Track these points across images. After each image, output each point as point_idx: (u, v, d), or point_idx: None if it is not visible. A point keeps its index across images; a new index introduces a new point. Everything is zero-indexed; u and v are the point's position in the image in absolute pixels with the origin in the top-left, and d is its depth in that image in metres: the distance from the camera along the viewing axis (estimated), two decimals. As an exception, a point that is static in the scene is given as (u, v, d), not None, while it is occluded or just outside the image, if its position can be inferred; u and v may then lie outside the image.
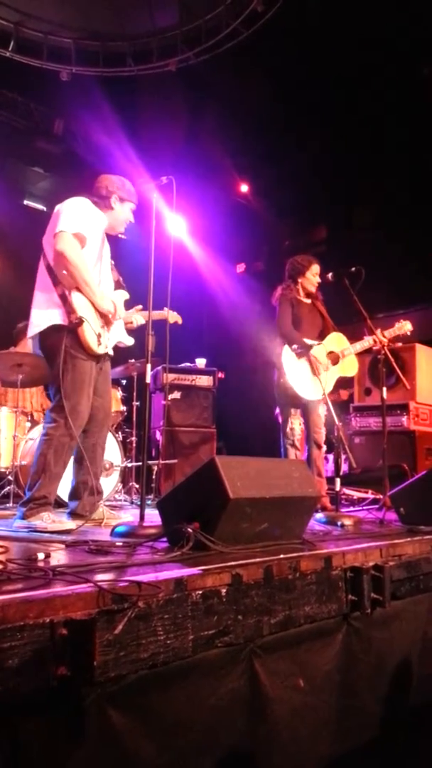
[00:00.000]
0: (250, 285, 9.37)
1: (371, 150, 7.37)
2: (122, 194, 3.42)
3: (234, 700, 1.86)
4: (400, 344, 4.90)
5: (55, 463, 3.06)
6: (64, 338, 3.08)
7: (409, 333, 4.65)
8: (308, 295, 4.67)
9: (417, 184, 7.28)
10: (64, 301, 3.11)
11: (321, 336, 4.58)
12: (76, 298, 3.12)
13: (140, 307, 3.60)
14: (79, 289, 3.14)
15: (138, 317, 3.62)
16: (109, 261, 3.48)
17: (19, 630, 1.40)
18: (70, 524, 3.03)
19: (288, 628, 2.04)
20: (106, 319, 3.31)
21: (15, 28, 7.17)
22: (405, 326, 4.60)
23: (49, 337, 3.14)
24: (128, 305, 3.60)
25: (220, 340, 8.87)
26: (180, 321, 4.56)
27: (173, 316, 4.47)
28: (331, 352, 4.46)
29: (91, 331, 3.13)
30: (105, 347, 3.29)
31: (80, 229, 3.14)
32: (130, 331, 3.63)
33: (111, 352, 3.43)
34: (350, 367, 4.52)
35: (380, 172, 7.50)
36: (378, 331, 4.42)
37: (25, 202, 8.60)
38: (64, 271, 3.12)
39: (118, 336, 3.48)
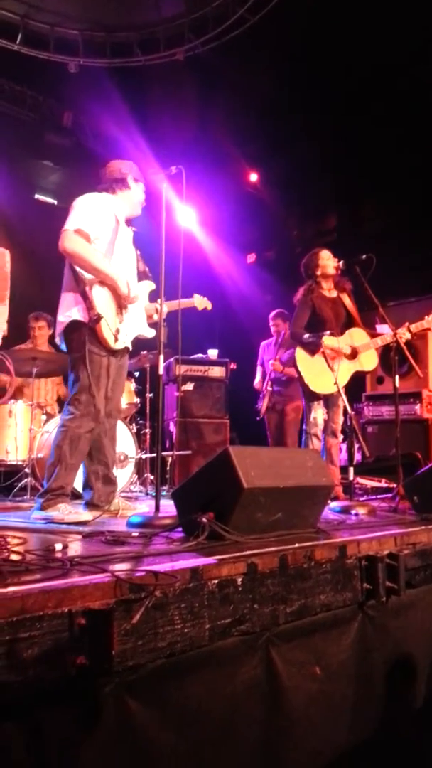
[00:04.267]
0: (261, 275, 9.33)
1: (382, 138, 7.28)
2: (135, 175, 3.50)
3: (251, 688, 1.88)
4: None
5: (71, 454, 3.12)
6: (84, 334, 3.16)
7: None
8: (334, 284, 4.63)
9: (429, 171, 7.19)
10: (85, 297, 3.18)
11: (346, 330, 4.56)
12: (96, 293, 3.18)
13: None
14: (100, 284, 3.20)
15: (163, 307, 3.61)
16: (130, 252, 3.49)
17: (38, 620, 1.42)
18: (87, 515, 3.07)
19: (304, 616, 2.05)
20: (124, 309, 3.33)
21: (22, 20, 7.14)
22: None
23: (70, 332, 3.23)
24: (152, 296, 3.61)
25: (232, 330, 8.86)
26: (210, 307, 4.53)
27: (203, 302, 4.46)
28: (349, 347, 4.45)
29: (107, 328, 3.19)
30: (123, 343, 3.32)
31: (82, 226, 3.18)
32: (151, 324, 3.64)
33: (130, 346, 3.46)
34: (369, 362, 4.50)
35: (391, 160, 7.41)
36: (406, 325, 4.33)
37: (36, 195, 8.59)
38: (77, 267, 3.19)
39: (137, 329, 3.49)
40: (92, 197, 3.35)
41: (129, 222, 3.55)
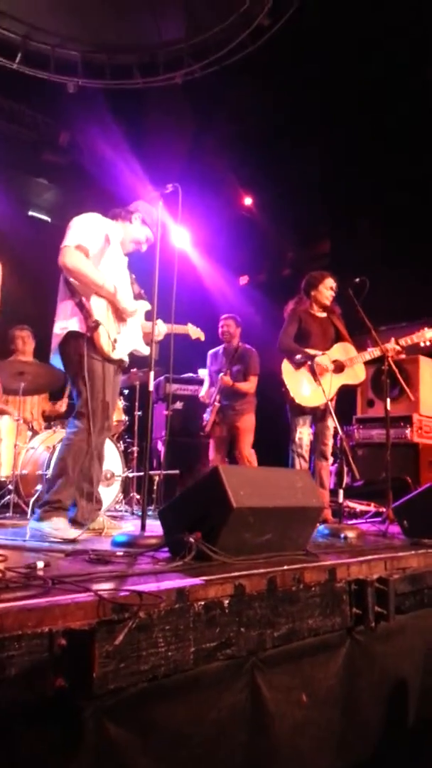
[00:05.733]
0: (253, 297, 9.35)
1: (376, 162, 7.38)
2: (147, 218, 3.53)
3: (235, 714, 1.82)
4: (403, 356, 4.82)
5: (72, 468, 3.12)
6: (82, 345, 3.14)
7: (431, 342, 4.36)
8: (324, 308, 4.65)
9: (421, 195, 7.28)
10: (81, 307, 3.19)
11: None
12: (93, 302, 3.20)
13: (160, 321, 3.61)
14: (97, 294, 3.21)
15: (162, 327, 3.62)
16: (124, 274, 3.51)
17: (17, 639, 1.37)
18: (74, 533, 3.02)
19: (291, 641, 2.01)
20: (122, 322, 3.34)
21: (22, 40, 7.21)
22: (426, 334, 4.32)
23: (67, 344, 3.22)
24: (148, 317, 3.62)
25: (223, 351, 8.85)
26: (203, 337, 4.55)
27: (196, 332, 4.46)
28: (335, 361, 4.42)
29: (106, 335, 3.19)
30: (120, 353, 3.32)
31: (81, 241, 3.23)
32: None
33: (126, 359, 3.45)
34: (356, 376, 4.46)
35: (385, 184, 7.51)
36: (392, 340, 4.33)
37: (30, 213, 8.62)
38: (76, 282, 3.21)
39: (134, 344, 3.49)
40: (88, 216, 3.40)
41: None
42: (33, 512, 3.13)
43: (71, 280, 3.22)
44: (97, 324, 3.13)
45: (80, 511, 3.27)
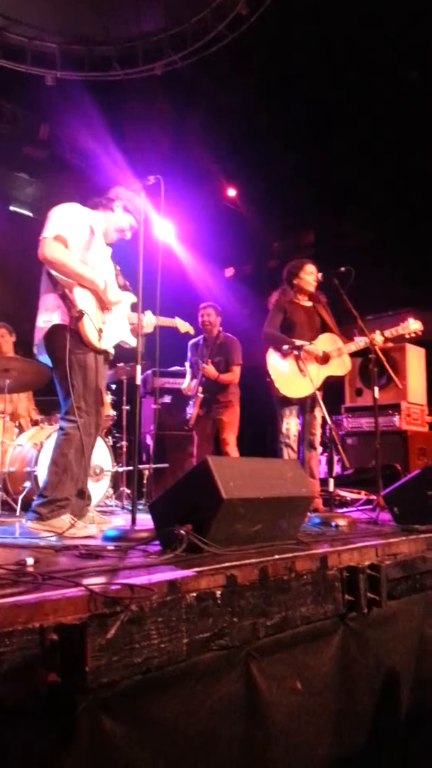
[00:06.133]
0: (239, 289, 9.35)
1: (359, 153, 7.38)
2: (129, 205, 3.46)
3: (230, 704, 1.82)
4: (390, 344, 4.83)
5: (77, 463, 3.07)
6: (66, 338, 3.08)
7: (416, 334, 4.39)
8: (309, 297, 4.63)
9: (405, 187, 7.29)
10: (65, 299, 3.13)
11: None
12: (77, 293, 3.14)
13: (149, 312, 3.57)
14: (80, 285, 3.16)
15: (151, 317, 3.58)
16: (108, 266, 3.46)
17: (8, 636, 1.35)
18: (93, 529, 3.02)
19: (284, 629, 2.01)
20: (107, 312, 3.31)
21: (-1, 33, 7.14)
22: (411, 326, 4.35)
23: (52, 338, 3.16)
24: (133, 308, 3.59)
25: (210, 343, 8.83)
26: (192, 331, 4.52)
27: (185, 326, 4.43)
28: (322, 352, 4.41)
29: (91, 325, 3.14)
30: (107, 343, 3.28)
31: (60, 231, 3.16)
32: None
33: (112, 351, 3.41)
34: (341, 367, 4.46)
35: (368, 174, 7.51)
36: (377, 332, 4.33)
37: (11, 208, 8.54)
38: (57, 274, 3.15)
39: (120, 335, 3.45)
40: (68, 206, 3.33)
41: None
42: (32, 512, 3.04)
43: (53, 272, 3.17)
44: (81, 314, 3.08)
45: (70, 507, 3.25)
